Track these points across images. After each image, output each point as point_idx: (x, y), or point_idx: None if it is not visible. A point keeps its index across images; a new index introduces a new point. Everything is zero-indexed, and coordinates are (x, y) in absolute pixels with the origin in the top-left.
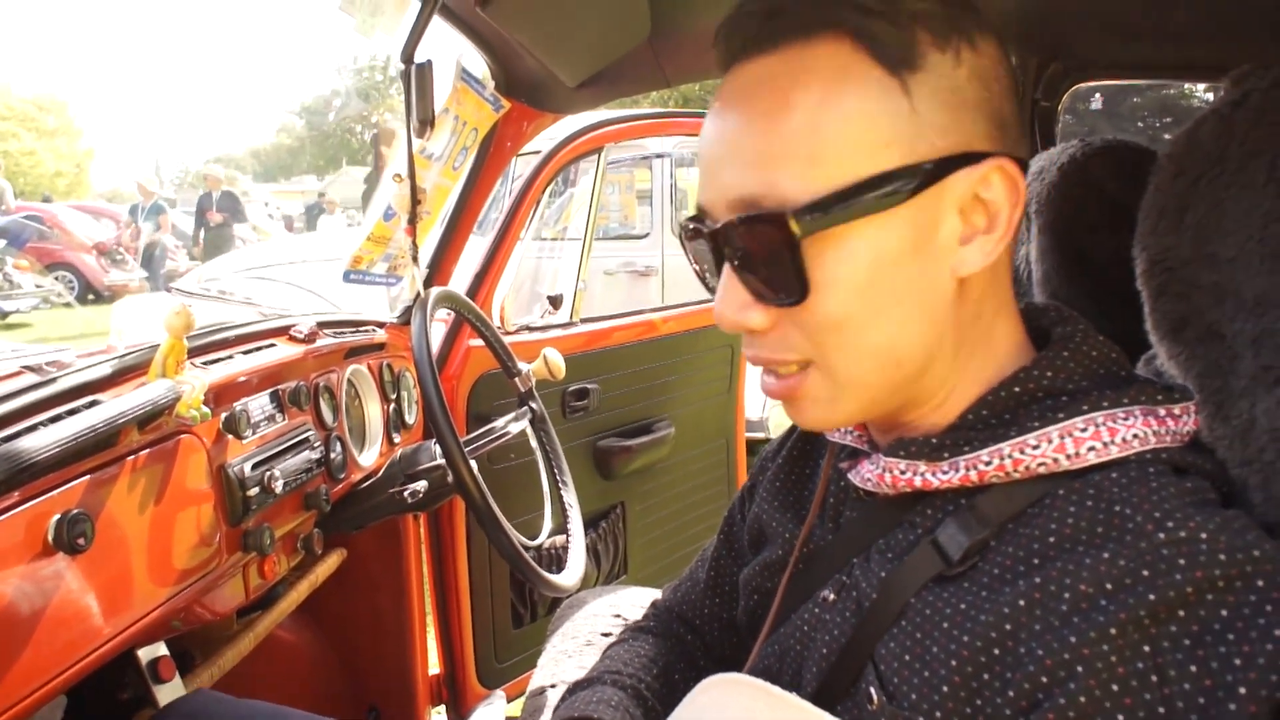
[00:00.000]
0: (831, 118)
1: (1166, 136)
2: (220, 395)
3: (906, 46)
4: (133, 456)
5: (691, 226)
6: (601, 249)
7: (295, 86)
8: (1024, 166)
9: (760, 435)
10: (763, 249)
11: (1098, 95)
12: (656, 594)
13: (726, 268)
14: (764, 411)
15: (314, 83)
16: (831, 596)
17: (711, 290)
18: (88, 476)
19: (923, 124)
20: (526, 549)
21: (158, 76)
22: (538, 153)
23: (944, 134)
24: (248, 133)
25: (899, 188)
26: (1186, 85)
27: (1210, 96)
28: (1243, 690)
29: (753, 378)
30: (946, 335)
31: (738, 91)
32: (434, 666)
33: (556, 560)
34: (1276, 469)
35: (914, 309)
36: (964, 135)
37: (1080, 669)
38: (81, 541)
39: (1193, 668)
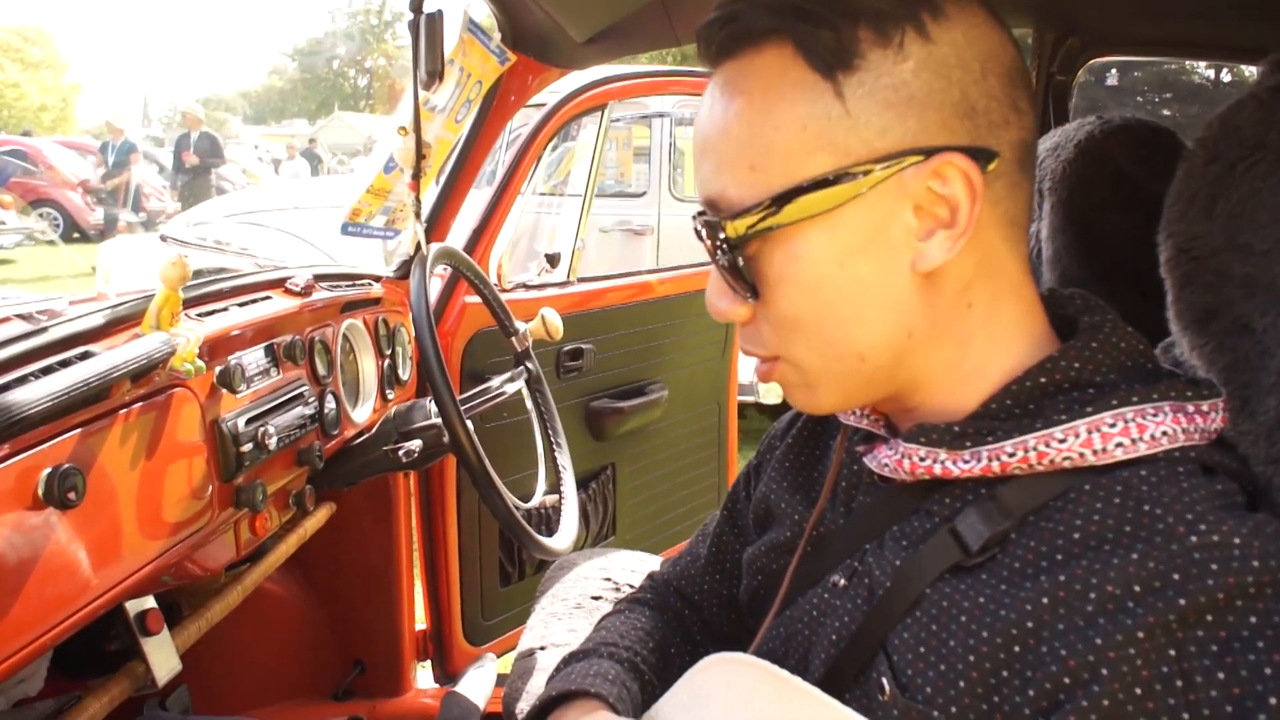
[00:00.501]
0: (766, 125)
1: (1165, 112)
2: (214, 348)
3: (841, 48)
4: (125, 410)
5: (695, 215)
6: (598, 206)
7: (289, 27)
8: (988, 155)
9: (751, 399)
10: (718, 249)
11: (1114, 70)
12: (647, 558)
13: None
14: (754, 376)
15: (308, 24)
16: (842, 582)
17: None
18: (79, 430)
19: (858, 125)
20: (519, 511)
21: (149, 11)
22: (542, 105)
23: (883, 133)
24: (239, 73)
25: (836, 191)
26: (1187, 62)
27: (1211, 74)
28: (1273, 700)
29: None
30: (917, 328)
31: (706, 98)
32: (420, 622)
33: (546, 521)
34: None
35: (869, 306)
36: (908, 132)
37: (1105, 671)
38: (72, 496)
39: (1220, 674)
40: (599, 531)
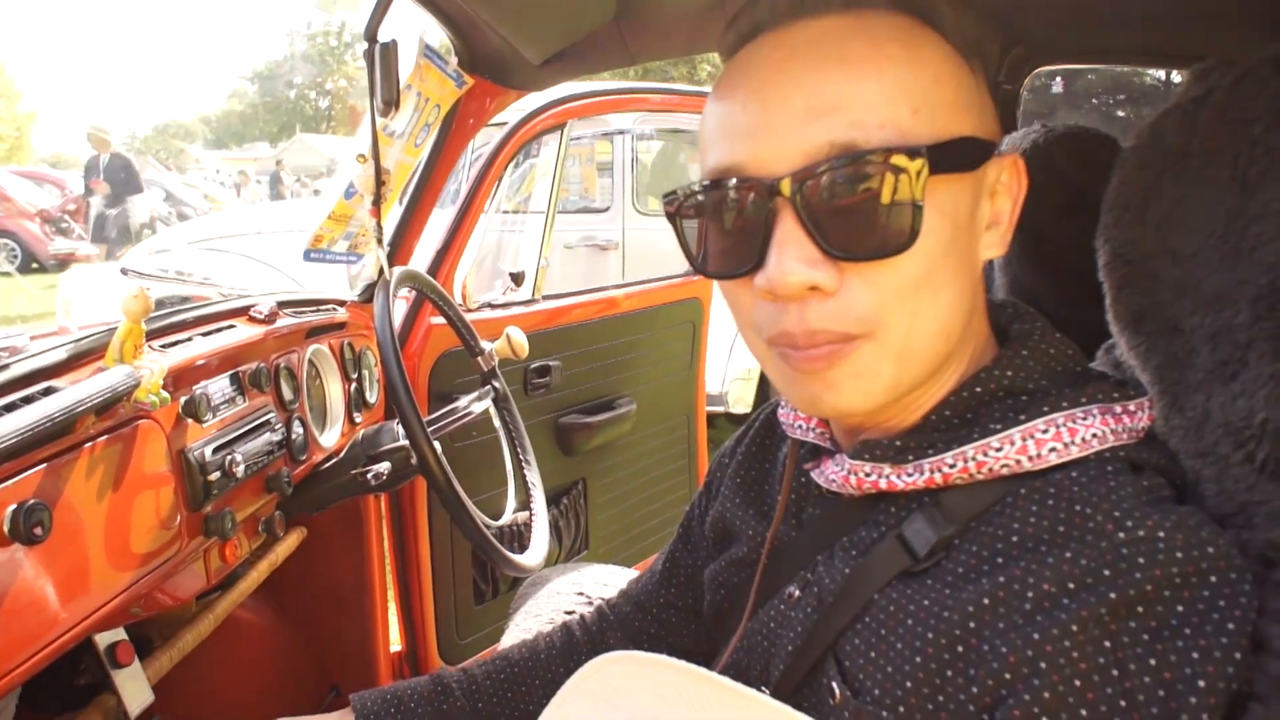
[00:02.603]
0: (925, 75)
1: (1120, 113)
2: (179, 378)
3: (972, 36)
4: (90, 443)
5: (736, 183)
6: (562, 222)
7: (248, 50)
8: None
9: (720, 409)
10: (865, 194)
11: (1058, 79)
12: (619, 571)
13: (789, 223)
14: (724, 385)
15: (267, 47)
16: (796, 593)
17: (727, 263)
18: (44, 465)
19: (983, 105)
20: (490, 529)
21: (104, 38)
22: (504, 124)
23: (986, 122)
24: (198, 97)
25: (974, 154)
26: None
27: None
28: (1202, 683)
29: (715, 351)
30: (972, 319)
31: (809, 44)
32: (395, 644)
33: (518, 538)
34: (1229, 462)
35: (965, 282)
36: (991, 129)
37: (1043, 665)
38: (39, 531)
39: (1152, 661)
40: (572, 546)
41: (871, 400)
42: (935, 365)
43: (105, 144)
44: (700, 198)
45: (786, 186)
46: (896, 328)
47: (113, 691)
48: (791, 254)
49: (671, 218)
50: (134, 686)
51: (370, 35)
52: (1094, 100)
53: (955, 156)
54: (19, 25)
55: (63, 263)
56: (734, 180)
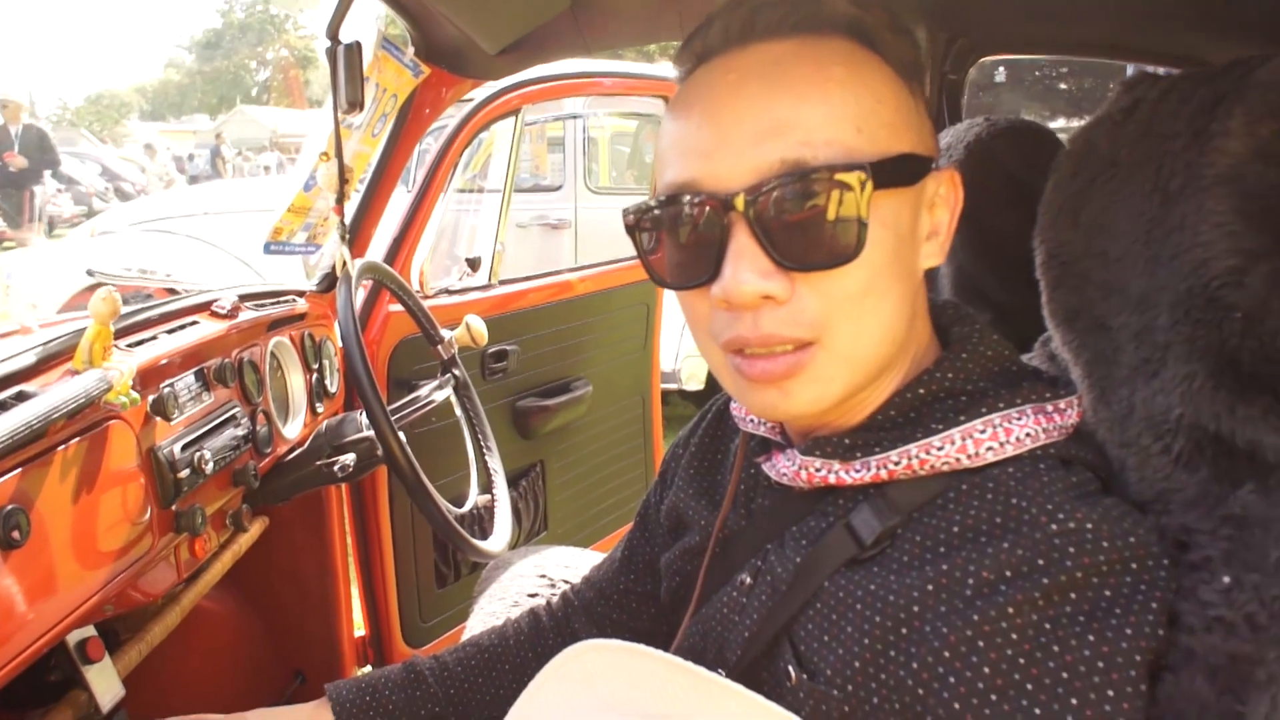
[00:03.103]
0: (867, 95)
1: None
2: (146, 377)
3: (916, 64)
4: (63, 446)
5: (691, 199)
6: (515, 201)
7: (184, 19)
8: None
9: (674, 386)
10: (814, 209)
11: (1001, 69)
12: (580, 553)
13: (743, 236)
14: (677, 363)
15: (205, 15)
16: (748, 580)
17: (684, 274)
18: (19, 470)
19: (921, 124)
20: (453, 515)
21: (33, 2)
22: (467, 102)
23: (924, 139)
24: (133, 67)
25: (914, 170)
26: None
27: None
28: (1137, 657)
29: (668, 330)
30: (913, 325)
31: (760, 67)
32: (359, 628)
33: (480, 523)
34: (1149, 453)
35: (907, 289)
36: (928, 145)
37: (982, 644)
38: (16, 535)
39: (1091, 637)
40: (531, 528)
41: (822, 405)
42: (881, 368)
43: (17, 114)
44: (657, 212)
45: (740, 202)
46: (844, 334)
47: (84, 687)
48: (746, 265)
49: (630, 230)
50: (104, 681)
51: (332, 34)
52: (1062, 86)
53: (896, 172)
54: None
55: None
56: (689, 196)
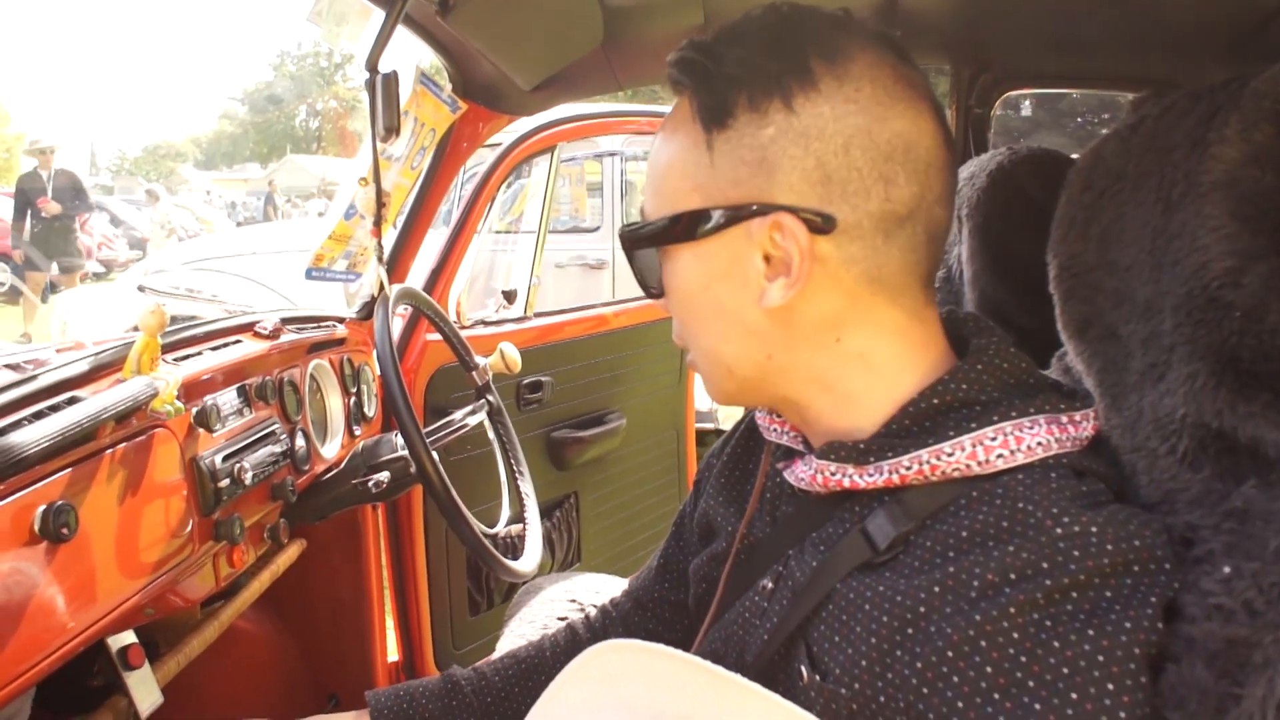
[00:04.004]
0: (664, 161)
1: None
2: (191, 390)
3: (719, 108)
4: (111, 450)
5: None
6: (552, 242)
7: (238, 71)
8: (828, 220)
9: (710, 426)
10: (630, 254)
11: (1027, 102)
12: (611, 580)
13: None
14: (713, 403)
15: (258, 68)
16: (770, 585)
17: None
18: (70, 469)
19: (718, 176)
20: (486, 537)
21: (94, 59)
22: (497, 145)
23: (736, 185)
24: (188, 118)
25: (698, 226)
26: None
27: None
28: (1137, 650)
29: None
30: (776, 353)
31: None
32: (392, 653)
33: (513, 548)
34: (1157, 455)
35: (729, 326)
36: (756, 188)
37: (984, 644)
38: (65, 531)
39: (1090, 632)
40: (564, 559)
41: (719, 401)
42: (749, 387)
43: (48, 160)
44: None
45: None
46: (693, 353)
47: (124, 693)
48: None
49: None
50: (144, 688)
51: (371, 66)
52: (1078, 119)
53: (679, 229)
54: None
55: (54, 284)
56: None
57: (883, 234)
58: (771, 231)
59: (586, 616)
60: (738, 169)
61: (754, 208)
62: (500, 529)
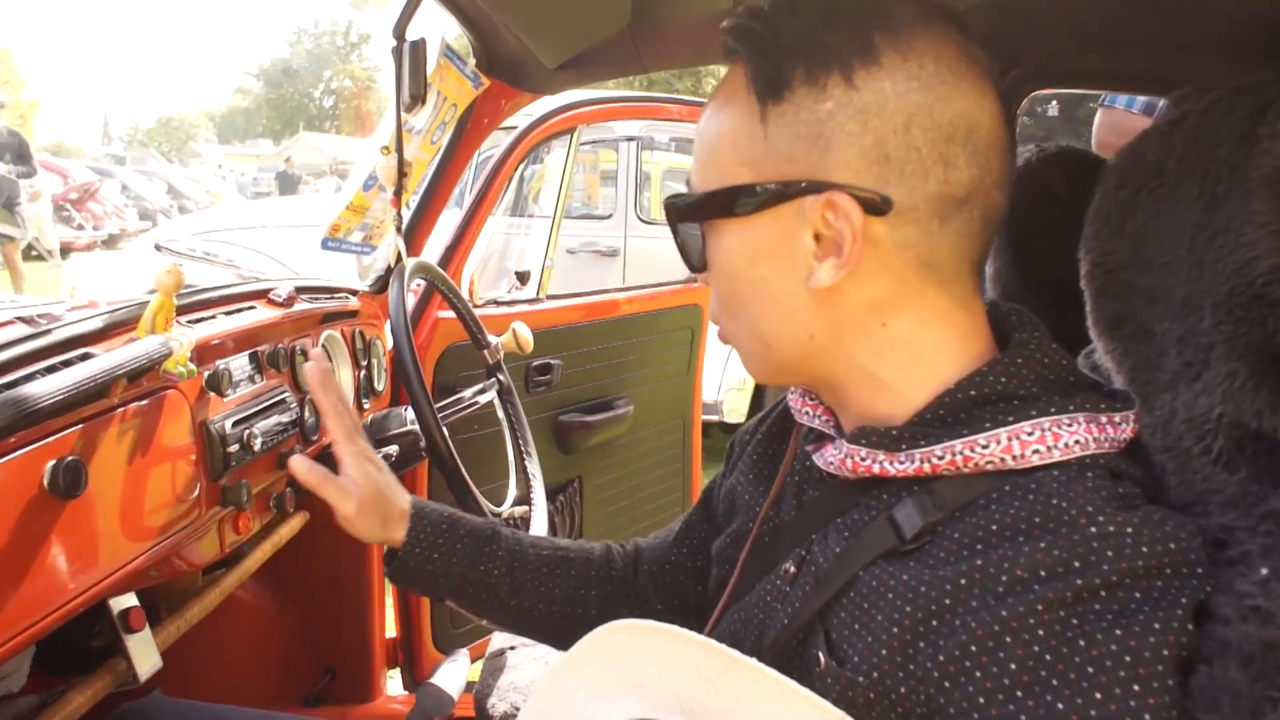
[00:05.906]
0: (713, 132)
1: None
2: (203, 354)
3: (776, 80)
4: (122, 409)
5: None
6: (565, 228)
7: (254, 47)
8: (885, 201)
9: (714, 417)
10: (676, 225)
11: (1054, 103)
12: None
13: None
14: (719, 394)
15: (274, 44)
16: (793, 569)
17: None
18: (81, 425)
19: (771, 150)
20: (493, 514)
21: (110, 28)
22: (513, 128)
23: (790, 161)
24: (202, 92)
25: (747, 201)
26: None
27: None
28: (1165, 652)
29: (711, 361)
30: (818, 334)
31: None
32: (390, 630)
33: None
34: (1190, 455)
35: (771, 304)
36: (811, 165)
37: (1008, 639)
38: (75, 488)
39: (1118, 632)
40: None
41: (754, 378)
42: (785, 365)
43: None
44: None
45: None
46: (729, 328)
47: (123, 655)
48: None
49: None
50: (144, 651)
51: (399, 34)
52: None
53: (727, 204)
54: (24, 13)
55: (64, 250)
56: None
57: (939, 218)
58: (825, 210)
59: (623, 548)
60: (792, 144)
61: (806, 185)
62: (505, 509)
